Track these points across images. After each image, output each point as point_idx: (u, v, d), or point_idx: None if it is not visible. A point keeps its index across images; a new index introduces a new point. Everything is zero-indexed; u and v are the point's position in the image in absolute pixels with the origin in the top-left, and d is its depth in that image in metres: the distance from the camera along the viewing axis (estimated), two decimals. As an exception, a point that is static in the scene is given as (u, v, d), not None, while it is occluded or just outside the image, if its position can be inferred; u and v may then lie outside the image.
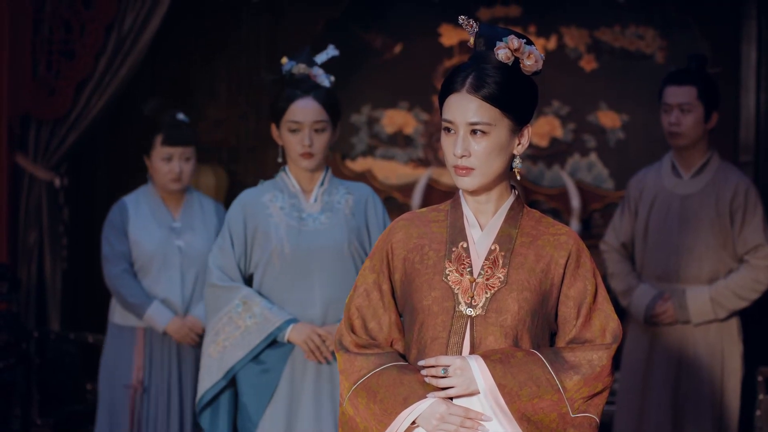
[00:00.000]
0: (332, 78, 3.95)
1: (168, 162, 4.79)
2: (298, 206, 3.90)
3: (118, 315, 4.87)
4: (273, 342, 3.81)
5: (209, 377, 3.85)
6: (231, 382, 3.87)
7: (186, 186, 4.87)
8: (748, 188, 4.89)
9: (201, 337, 4.79)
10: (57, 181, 5.79)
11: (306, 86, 3.88)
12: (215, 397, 3.89)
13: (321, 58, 3.98)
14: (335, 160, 6.95)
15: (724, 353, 4.90)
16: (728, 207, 4.86)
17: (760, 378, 4.94)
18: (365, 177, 6.94)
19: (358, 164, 7.02)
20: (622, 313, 4.78)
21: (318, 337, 3.77)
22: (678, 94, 4.85)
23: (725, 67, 5.96)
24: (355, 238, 3.91)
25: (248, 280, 3.93)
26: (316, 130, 3.86)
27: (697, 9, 6.70)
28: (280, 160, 3.93)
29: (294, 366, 3.84)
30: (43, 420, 5.34)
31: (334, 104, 3.92)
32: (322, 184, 3.94)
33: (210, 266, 3.89)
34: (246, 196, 3.93)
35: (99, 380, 4.92)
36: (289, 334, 3.78)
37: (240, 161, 7.11)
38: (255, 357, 3.82)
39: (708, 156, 4.94)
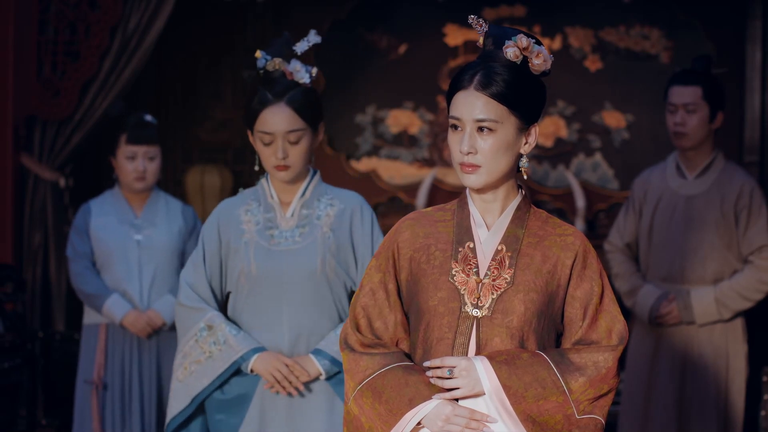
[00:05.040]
0: (314, 71, 3.49)
1: (132, 161, 4.86)
2: (273, 221, 3.50)
3: (85, 315, 4.96)
4: (239, 370, 3.48)
5: (177, 403, 3.51)
6: (201, 407, 3.53)
7: (151, 186, 4.93)
8: (753, 189, 4.88)
9: (157, 331, 4.87)
10: (62, 182, 5.80)
11: (280, 88, 3.44)
12: (186, 423, 3.54)
13: (301, 47, 3.50)
14: (340, 160, 6.95)
15: (729, 354, 4.90)
16: (733, 207, 4.85)
17: (765, 378, 4.94)
18: (370, 177, 6.95)
19: (363, 164, 7.03)
20: (626, 313, 4.78)
21: (285, 367, 3.42)
22: (683, 95, 4.83)
23: (730, 68, 5.95)
24: (333, 258, 3.49)
25: (227, 298, 3.58)
26: (291, 141, 3.43)
27: (702, 9, 6.71)
28: (257, 168, 3.51)
29: (264, 396, 3.49)
30: (48, 420, 5.35)
31: (313, 106, 3.47)
32: (303, 194, 3.53)
33: (180, 282, 3.53)
34: (222, 208, 3.55)
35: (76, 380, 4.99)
36: (253, 363, 3.43)
37: (245, 162, 7.12)
38: (220, 386, 3.49)
39: (713, 156, 4.93)
